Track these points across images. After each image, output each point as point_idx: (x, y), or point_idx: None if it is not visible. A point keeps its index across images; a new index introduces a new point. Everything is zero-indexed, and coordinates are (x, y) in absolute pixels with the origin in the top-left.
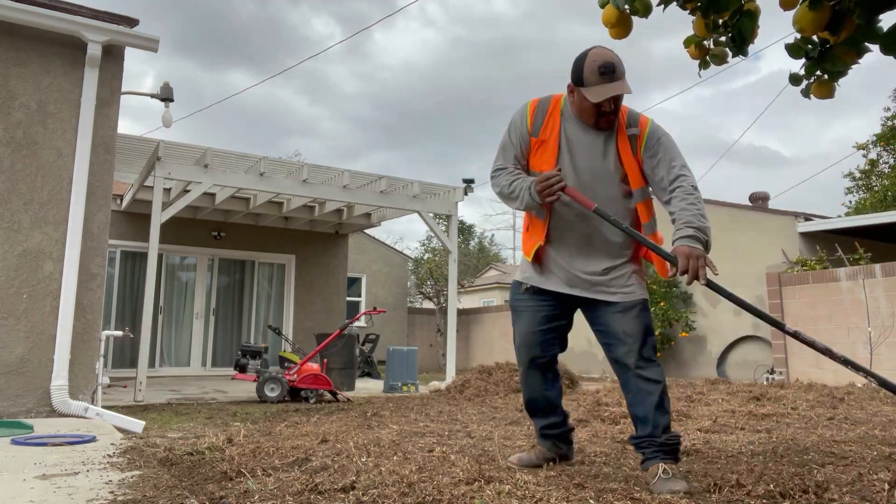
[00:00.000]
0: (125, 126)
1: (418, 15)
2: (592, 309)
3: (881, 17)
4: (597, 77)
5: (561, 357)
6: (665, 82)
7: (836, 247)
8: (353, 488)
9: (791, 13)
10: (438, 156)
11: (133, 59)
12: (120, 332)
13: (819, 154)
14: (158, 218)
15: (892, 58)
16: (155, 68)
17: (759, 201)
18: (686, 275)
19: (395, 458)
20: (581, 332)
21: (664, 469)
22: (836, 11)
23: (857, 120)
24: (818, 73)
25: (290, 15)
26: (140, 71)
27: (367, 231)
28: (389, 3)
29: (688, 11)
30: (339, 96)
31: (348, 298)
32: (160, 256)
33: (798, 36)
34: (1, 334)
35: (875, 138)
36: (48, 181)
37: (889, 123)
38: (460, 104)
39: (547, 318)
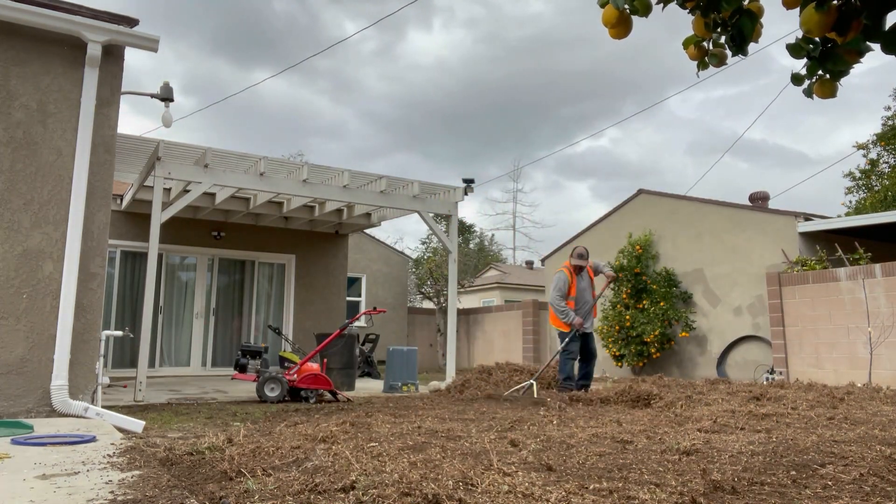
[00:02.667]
0: (149, 125)
1: (450, 15)
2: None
3: (888, 17)
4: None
5: None
6: (694, 81)
7: (836, 247)
8: (352, 488)
9: (794, 14)
10: (459, 154)
11: (160, 58)
12: (120, 332)
13: (840, 155)
14: (158, 218)
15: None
16: (184, 67)
17: (759, 201)
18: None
19: (394, 458)
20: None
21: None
22: (842, 12)
23: (874, 122)
24: (820, 72)
25: (325, 17)
26: (170, 71)
27: (367, 231)
28: (426, 3)
29: (687, 10)
30: (366, 97)
31: (348, 298)
32: (160, 256)
33: (799, 35)
34: (1, 334)
35: (875, 138)
36: (48, 181)
37: (889, 123)
38: (487, 102)
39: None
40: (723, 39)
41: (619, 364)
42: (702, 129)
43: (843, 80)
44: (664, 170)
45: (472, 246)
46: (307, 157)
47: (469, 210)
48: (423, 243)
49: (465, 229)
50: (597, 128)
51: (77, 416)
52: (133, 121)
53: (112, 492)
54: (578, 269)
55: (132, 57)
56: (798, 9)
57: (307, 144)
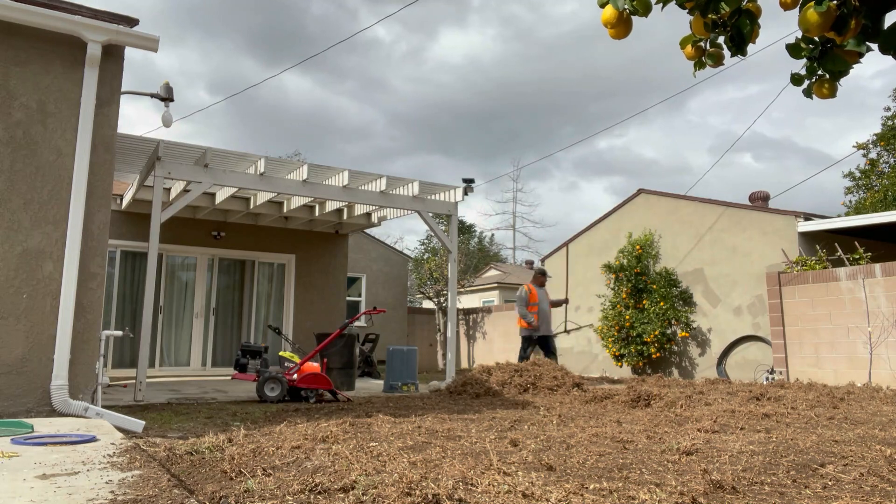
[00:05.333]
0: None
1: (478, 15)
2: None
3: (887, 17)
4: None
5: (561, 357)
6: (718, 81)
7: (836, 247)
8: (352, 488)
9: (792, 14)
10: (481, 154)
11: (188, 58)
12: (120, 332)
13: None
14: (158, 218)
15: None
16: (212, 66)
17: (759, 201)
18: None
19: (394, 458)
20: (582, 332)
21: None
22: (841, 12)
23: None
24: (819, 72)
25: (355, 17)
26: (197, 71)
27: (367, 231)
28: (458, 1)
29: (687, 10)
30: (394, 97)
31: (348, 298)
32: (160, 256)
33: (799, 36)
34: (1, 334)
35: (875, 138)
36: (48, 181)
37: (889, 123)
38: (515, 101)
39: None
40: (720, 40)
41: (619, 364)
42: (721, 130)
43: (854, 82)
44: (685, 170)
45: (472, 246)
46: (330, 156)
47: (472, 210)
48: (423, 244)
49: (464, 229)
50: (622, 128)
51: (77, 416)
52: (151, 118)
53: (112, 492)
54: (541, 284)
55: (159, 57)
56: (796, 9)
57: (332, 144)
